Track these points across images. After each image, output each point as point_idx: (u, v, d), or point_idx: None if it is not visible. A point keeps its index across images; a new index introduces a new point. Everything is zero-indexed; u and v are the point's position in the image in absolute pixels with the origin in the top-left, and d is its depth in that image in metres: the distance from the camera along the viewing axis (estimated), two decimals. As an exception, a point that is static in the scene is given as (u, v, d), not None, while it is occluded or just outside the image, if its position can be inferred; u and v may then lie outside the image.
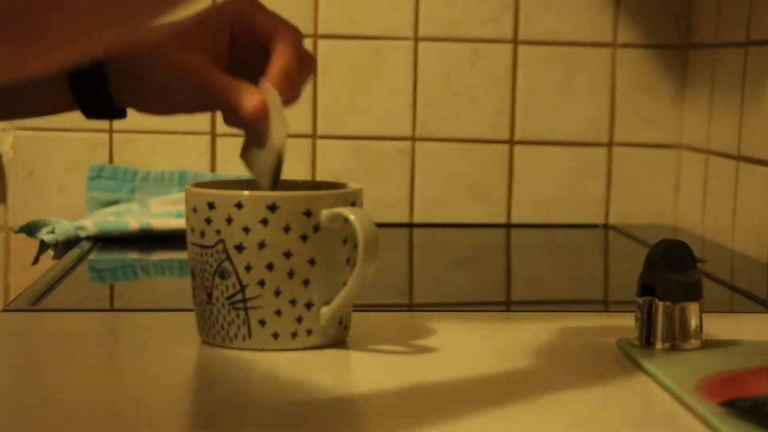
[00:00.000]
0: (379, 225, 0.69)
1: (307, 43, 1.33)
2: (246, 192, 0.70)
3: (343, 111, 1.34)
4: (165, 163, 1.32)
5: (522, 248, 1.25)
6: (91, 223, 1.16)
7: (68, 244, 1.15)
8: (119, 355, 0.71)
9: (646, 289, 0.72)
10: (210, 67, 0.74)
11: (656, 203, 1.38)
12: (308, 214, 0.70)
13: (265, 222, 0.70)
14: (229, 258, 0.70)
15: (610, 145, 1.38)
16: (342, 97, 1.34)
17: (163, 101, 0.78)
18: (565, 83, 1.36)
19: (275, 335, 0.71)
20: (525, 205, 1.37)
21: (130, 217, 1.17)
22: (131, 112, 0.79)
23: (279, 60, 0.74)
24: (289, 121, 0.72)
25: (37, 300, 0.87)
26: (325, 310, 0.72)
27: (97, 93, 0.77)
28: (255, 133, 0.74)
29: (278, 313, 0.71)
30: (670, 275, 0.71)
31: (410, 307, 0.90)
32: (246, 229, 0.70)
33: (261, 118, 0.72)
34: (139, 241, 1.15)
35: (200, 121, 1.32)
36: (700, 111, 1.32)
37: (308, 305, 0.71)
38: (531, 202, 1.37)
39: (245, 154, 0.75)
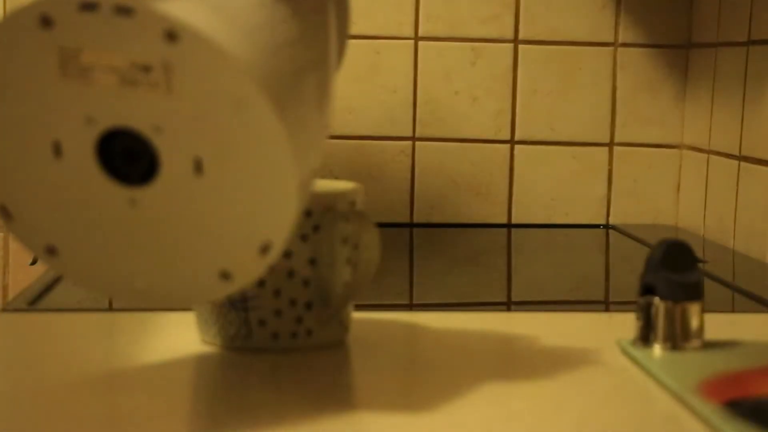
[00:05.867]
0: (379, 225, 0.69)
1: (307, 43, 1.34)
2: (246, 191, 0.70)
3: (343, 111, 1.34)
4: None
5: (522, 248, 1.24)
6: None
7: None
8: (119, 355, 0.71)
9: (646, 288, 0.72)
10: None
11: (657, 203, 1.38)
12: (308, 214, 0.70)
13: (264, 222, 0.70)
14: (228, 258, 0.70)
15: (610, 144, 1.38)
16: (342, 97, 1.34)
17: None
18: (565, 83, 1.36)
19: (275, 335, 0.71)
20: (525, 205, 1.37)
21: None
22: None
23: None
24: None
25: (35, 300, 0.87)
26: (325, 310, 0.72)
27: None
28: None
29: (278, 313, 0.70)
30: (671, 275, 0.71)
31: (410, 307, 0.90)
32: (246, 229, 0.70)
33: None
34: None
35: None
36: (701, 111, 1.32)
37: (308, 305, 0.71)
38: (531, 202, 1.37)
39: None
